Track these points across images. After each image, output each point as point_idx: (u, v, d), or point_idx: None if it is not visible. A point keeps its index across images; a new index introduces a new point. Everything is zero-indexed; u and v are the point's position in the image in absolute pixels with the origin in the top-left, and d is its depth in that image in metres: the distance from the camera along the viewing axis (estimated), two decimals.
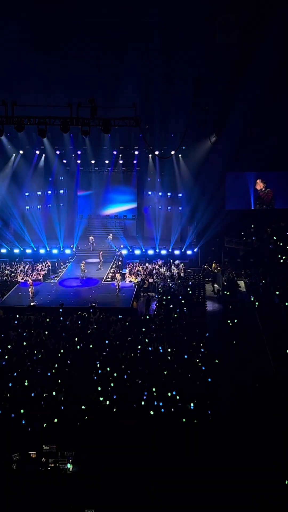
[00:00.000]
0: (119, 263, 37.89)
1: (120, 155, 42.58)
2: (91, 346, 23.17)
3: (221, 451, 15.42)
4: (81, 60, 35.24)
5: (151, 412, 16.68)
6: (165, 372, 20.08)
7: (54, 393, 18.49)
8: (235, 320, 26.08)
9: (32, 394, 18.49)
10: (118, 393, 18.31)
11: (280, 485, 13.56)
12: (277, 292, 28.96)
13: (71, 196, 45.95)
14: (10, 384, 19.39)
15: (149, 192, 44.62)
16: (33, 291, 31.29)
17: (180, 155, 39.97)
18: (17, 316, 27.44)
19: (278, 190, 40.91)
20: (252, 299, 29.55)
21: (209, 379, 19.35)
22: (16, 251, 38.56)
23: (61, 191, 44.74)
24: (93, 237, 41.17)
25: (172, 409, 17.14)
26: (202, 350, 22.43)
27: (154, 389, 18.37)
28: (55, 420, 16.61)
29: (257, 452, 14.96)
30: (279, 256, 35.48)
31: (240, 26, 35.93)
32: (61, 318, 26.92)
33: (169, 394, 18.21)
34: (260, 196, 40.60)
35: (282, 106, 36.04)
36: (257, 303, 28.42)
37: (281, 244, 37.17)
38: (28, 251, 38.98)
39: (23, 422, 16.52)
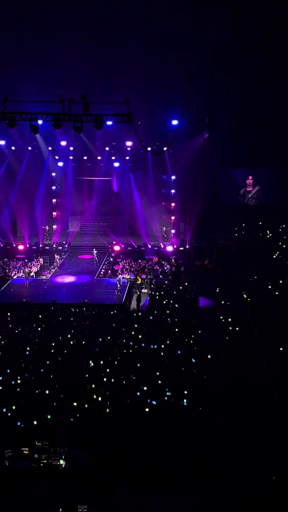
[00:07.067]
0: (111, 259, 37.86)
1: (113, 151, 42.53)
2: (83, 342, 23.15)
3: (214, 447, 15.49)
4: (74, 56, 35.20)
5: (146, 409, 16.68)
6: (158, 368, 20.08)
7: (46, 390, 18.44)
8: (231, 313, 26.24)
9: (24, 390, 18.44)
10: (111, 389, 18.30)
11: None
12: (270, 287, 29.04)
13: (63, 193, 45.86)
14: (1, 378, 19.36)
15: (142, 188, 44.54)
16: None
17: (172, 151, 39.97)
18: (8, 314, 27.33)
19: (269, 186, 41.08)
20: (244, 295, 29.59)
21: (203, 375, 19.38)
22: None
23: (53, 188, 44.53)
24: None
25: (165, 405, 17.15)
26: (194, 346, 22.44)
27: (145, 387, 18.36)
28: (48, 417, 16.59)
29: (250, 448, 15.02)
30: (271, 251, 35.58)
31: (232, 22, 36.03)
32: (54, 314, 26.87)
33: (162, 390, 18.21)
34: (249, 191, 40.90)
35: (275, 103, 36.15)
36: (249, 299, 28.46)
37: (271, 235, 37.30)
38: (21, 247, 39.04)
39: (16, 418, 16.47)
